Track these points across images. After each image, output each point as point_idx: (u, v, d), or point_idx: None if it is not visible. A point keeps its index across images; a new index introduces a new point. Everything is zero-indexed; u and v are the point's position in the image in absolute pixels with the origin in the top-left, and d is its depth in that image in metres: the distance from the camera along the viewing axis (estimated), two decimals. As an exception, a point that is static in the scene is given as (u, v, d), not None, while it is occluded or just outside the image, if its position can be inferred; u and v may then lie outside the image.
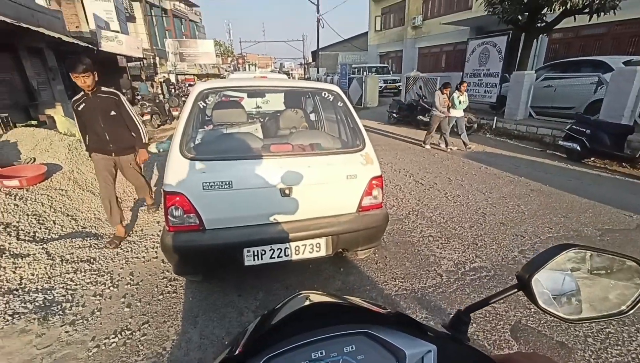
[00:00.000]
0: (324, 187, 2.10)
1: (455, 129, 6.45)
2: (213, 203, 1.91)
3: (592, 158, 5.43)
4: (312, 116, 3.87)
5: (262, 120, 4.07)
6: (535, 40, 9.06)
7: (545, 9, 7.56)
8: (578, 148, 5.29)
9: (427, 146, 6.59)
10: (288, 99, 3.90)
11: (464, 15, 14.54)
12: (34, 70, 10.32)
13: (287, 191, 2.00)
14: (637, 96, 5.51)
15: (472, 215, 3.43)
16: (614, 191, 4.13)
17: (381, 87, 15.45)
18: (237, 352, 0.44)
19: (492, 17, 8.51)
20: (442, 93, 6.03)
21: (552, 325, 1.90)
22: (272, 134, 3.31)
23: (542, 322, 1.93)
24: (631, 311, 0.55)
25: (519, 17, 8.06)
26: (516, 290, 0.58)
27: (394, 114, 9.73)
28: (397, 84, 16.30)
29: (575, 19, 7.51)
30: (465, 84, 6.13)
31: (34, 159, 4.28)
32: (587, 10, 7.08)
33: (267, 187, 1.97)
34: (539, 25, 8.28)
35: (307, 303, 0.47)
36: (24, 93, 10.05)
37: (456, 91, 6.07)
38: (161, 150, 5.86)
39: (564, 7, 6.95)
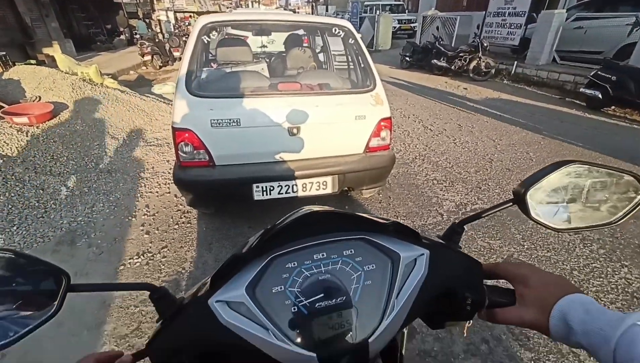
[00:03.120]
0: (331, 127, 2.09)
1: None
2: (222, 140, 1.93)
3: (613, 107, 5.19)
4: (321, 57, 3.68)
5: (268, 60, 3.90)
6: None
7: None
8: (600, 95, 5.02)
9: None
10: (290, 40, 3.57)
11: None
12: (26, 5, 9.72)
13: (294, 131, 2.00)
14: (675, 38, 5.04)
15: (479, 161, 3.43)
16: (629, 141, 4.02)
17: (395, 27, 14.33)
18: (243, 251, 0.47)
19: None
20: None
21: (542, 259, 2.02)
22: (278, 74, 3.19)
23: (533, 256, 2.04)
24: (620, 222, 0.57)
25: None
26: (511, 203, 0.60)
27: (407, 58, 9.17)
28: (412, 25, 15.08)
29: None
30: None
31: (39, 97, 4.25)
32: None
33: (275, 126, 1.97)
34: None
35: (308, 212, 0.49)
36: (18, 31, 9.63)
37: None
38: (162, 93, 5.73)
39: None
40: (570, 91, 6.27)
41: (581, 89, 5.49)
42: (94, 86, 4.52)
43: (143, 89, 5.97)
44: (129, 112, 4.31)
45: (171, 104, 4.64)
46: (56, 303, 0.37)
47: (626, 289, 1.80)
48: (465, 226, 0.65)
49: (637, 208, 0.58)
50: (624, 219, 0.58)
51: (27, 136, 3.33)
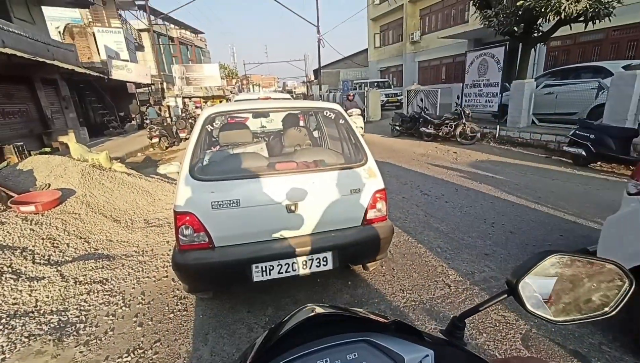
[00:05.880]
0: (328, 202, 2.14)
1: None
2: (222, 221, 1.96)
3: (599, 163, 5.39)
4: (315, 133, 3.97)
5: (266, 139, 4.18)
6: (534, 49, 9.20)
7: (540, 20, 7.72)
8: (583, 153, 5.27)
9: None
10: (286, 119, 3.97)
11: (461, 29, 14.88)
12: (48, 100, 10.78)
13: (292, 208, 2.04)
14: (639, 99, 5.51)
15: (480, 225, 3.42)
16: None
17: (383, 101, 15.69)
18: (248, 361, 0.47)
19: (489, 30, 8.70)
20: None
21: (565, 332, 1.87)
22: (277, 153, 3.39)
23: (553, 330, 1.90)
24: (614, 312, 0.57)
25: (515, 28, 8.22)
26: (506, 295, 0.61)
27: (397, 127, 9.83)
28: (398, 98, 16.54)
29: (571, 27, 7.64)
30: None
31: (49, 185, 4.43)
32: (582, 18, 7.21)
33: (273, 204, 2.02)
34: (535, 35, 8.43)
35: (311, 314, 0.50)
36: (39, 122, 10.47)
37: None
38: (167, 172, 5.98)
39: (558, 17, 7.09)
40: (554, 149, 6.59)
41: (564, 148, 5.78)
42: (102, 171, 4.75)
43: (149, 170, 6.25)
44: (133, 194, 4.45)
45: (174, 184, 4.82)
46: None
47: None
48: (465, 320, 0.64)
49: (627, 296, 0.58)
50: (618, 308, 0.58)
51: (30, 225, 3.38)
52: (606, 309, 0.58)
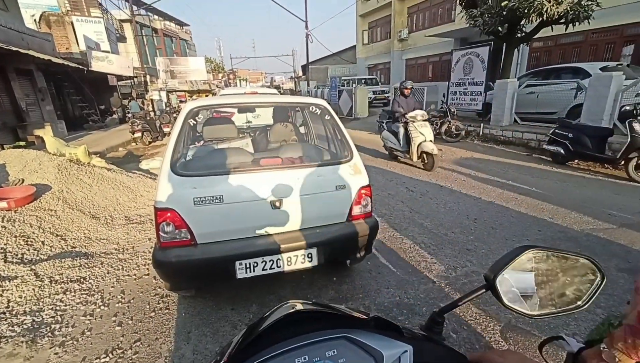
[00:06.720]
0: (313, 198, 2.13)
1: None
2: (204, 217, 1.92)
3: (576, 161, 5.59)
4: (302, 129, 3.94)
5: (252, 134, 4.13)
6: (517, 49, 9.41)
7: (523, 21, 7.89)
8: (562, 151, 5.45)
9: None
10: (276, 113, 3.97)
11: (448, 28, 15.06)
12: (23, 91, 10.29)
13: (277, 204, 2.02)
14: (615, 100, 5.73)
15: (463, 220, 3.49)
16: (597, 191, 4.25)
17: (370, 98, 15.72)
18: (222, 361, 0.46)
19: (475, 29, 8.83)
20: None
21: (541, 325, 1.93)
22: (262, 148, 3.35)
23: (530, 322, 1.96)
24: (586, 306, 0.59)
25: (499, 28, 8.37)
26: (484, 290, 0.62)
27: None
28: (386, 95, 16.63)
29: (552, 29, 7.85)
30: None
31: (23, 180, 4.24)
32: (562, 20, 7.41)
33: (257, 200, 1.99)
34: (518, 35, 8.62)
35: (291, 311, 0.49)
36: (12, 114, 9.99)
37: None
38: (149, 168, 5.83)
39: (540, 18, 7.27)
40: (535, 148, 6.78)
41: (544, 146, 5.96)
42: (80, 166, 4.57)
43: (130, 165, 6.07)
44: (113, 190, 4.31)
45: (157, 180, 4.68)
46: None
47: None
48: (444, 315, 0.64)
49: (598, 290, 0.60)
50: (590, 302, 0.60)
51: (2, 222, 3.22)
52: (579, 303, 0.60)
